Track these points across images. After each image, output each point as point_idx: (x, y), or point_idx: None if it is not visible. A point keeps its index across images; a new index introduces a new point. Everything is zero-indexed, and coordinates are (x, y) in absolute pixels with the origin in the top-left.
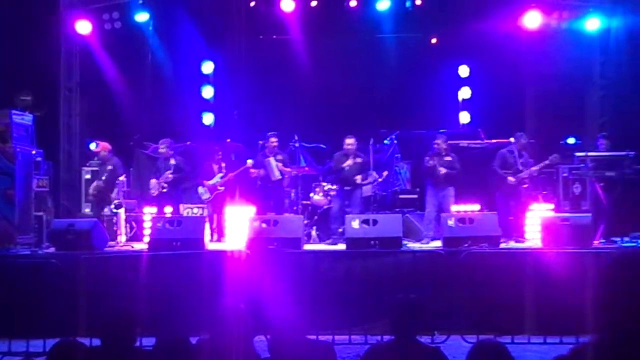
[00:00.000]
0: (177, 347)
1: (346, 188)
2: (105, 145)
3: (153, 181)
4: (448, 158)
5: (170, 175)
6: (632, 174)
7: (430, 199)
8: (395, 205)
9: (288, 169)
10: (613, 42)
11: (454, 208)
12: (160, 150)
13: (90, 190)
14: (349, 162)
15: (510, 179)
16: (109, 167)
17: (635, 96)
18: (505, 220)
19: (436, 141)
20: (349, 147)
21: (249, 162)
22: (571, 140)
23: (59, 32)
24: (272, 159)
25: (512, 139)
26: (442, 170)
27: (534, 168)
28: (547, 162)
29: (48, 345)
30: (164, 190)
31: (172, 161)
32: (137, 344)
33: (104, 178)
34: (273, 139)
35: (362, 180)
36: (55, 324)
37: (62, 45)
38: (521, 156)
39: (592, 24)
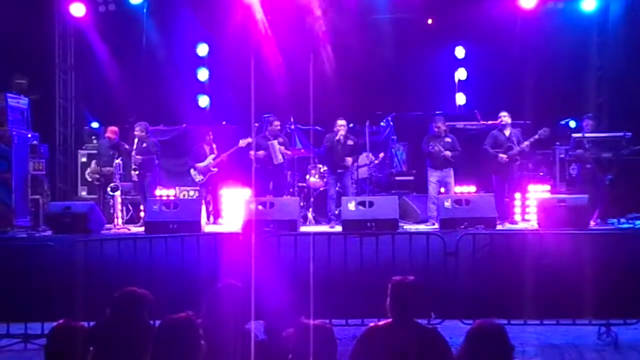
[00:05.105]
0: (184, 326)
1: (338, 171)
2: (114, 129)
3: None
4: (448, 139)
5: (139, 157)
6: (629, 155)
7: (432, 181)
8: (392, 187)
9: (289, 152)
10: (611, 21)
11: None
12: (136, 133)
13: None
14: (341, 133)
15: (502, 155)
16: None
17: (632, 76)
18: (501, 202)
19: (437, 125)
20: (342, 128)
21: (242, 142)
22: (572, 124)
23: (53, 14)
24: (275, 142)
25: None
26: (448, 154)
27: (525, 143)
28: (536, 136)
29: (46, 327)
30: (137, 172)
31: (144, 144)
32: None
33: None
34: (276, 122)
35: (353, 162)
36: (52, 306)
37: (57, 28)
38: (511, 134)
39: (589, 4)
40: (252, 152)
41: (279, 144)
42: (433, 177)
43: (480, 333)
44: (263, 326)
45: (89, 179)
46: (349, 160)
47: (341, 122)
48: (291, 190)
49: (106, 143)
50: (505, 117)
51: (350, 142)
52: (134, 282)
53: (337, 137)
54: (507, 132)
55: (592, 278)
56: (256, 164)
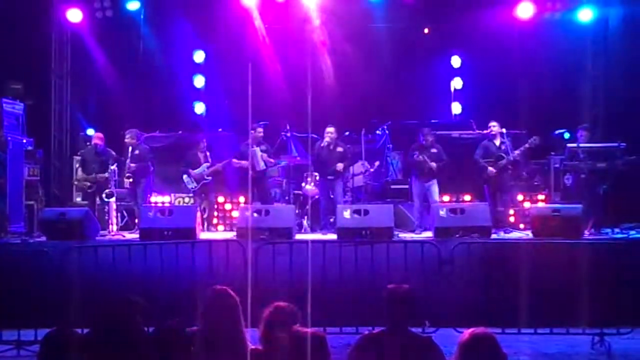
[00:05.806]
0: (174, 337)
1: (328, 177)
2: (100, 135)
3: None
4: (434, 150)
5: (133, 165)
6: (623, 165)
7: (417, 191)
8: (387, 195)
9: (272, 160)
10: (610, 31)
11: (441, 198)
12: (126, 140)
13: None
14: (326, 140)
15: (491, 169)
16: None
17: (627, 87)
18: (494, 211)
19: (425, 136)
20: (329, 135)
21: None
22: (567, 136)
23: (50, 20)
24: (257, 149)
25: (503, 129)
26: (433, 165)
27: (515, 152)
28: (526, 145)
29: (39, 334)
30: (130, 180)
31: (136, 151)
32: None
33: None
34: (259, 129)
35: (345, 169)
36: (46, 313)
37: (53, 34)
38: (502, 143)
39: (585, 14)
40: (234, 160)
41: (262, 151)
42: (417, 187)
43: (472, 342)
44: (257, 334)
45: (85, 186)
46: (340, 166)
47: (329, 129)
48: (286, 197)
49: (92, 150)
50: (494, 127)
51: (339, 149)
52: (128, 288)
53: (322, 144)
54: (497, 142)
55: (586, 288)
56: (239, 171)
